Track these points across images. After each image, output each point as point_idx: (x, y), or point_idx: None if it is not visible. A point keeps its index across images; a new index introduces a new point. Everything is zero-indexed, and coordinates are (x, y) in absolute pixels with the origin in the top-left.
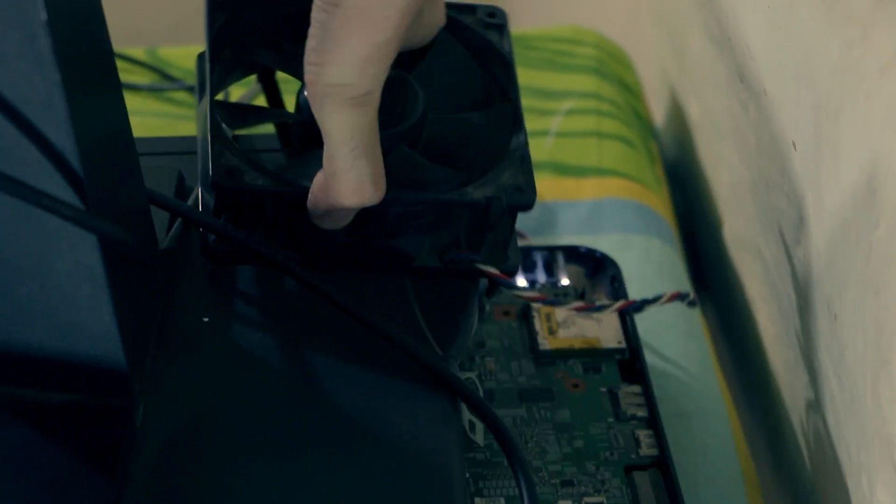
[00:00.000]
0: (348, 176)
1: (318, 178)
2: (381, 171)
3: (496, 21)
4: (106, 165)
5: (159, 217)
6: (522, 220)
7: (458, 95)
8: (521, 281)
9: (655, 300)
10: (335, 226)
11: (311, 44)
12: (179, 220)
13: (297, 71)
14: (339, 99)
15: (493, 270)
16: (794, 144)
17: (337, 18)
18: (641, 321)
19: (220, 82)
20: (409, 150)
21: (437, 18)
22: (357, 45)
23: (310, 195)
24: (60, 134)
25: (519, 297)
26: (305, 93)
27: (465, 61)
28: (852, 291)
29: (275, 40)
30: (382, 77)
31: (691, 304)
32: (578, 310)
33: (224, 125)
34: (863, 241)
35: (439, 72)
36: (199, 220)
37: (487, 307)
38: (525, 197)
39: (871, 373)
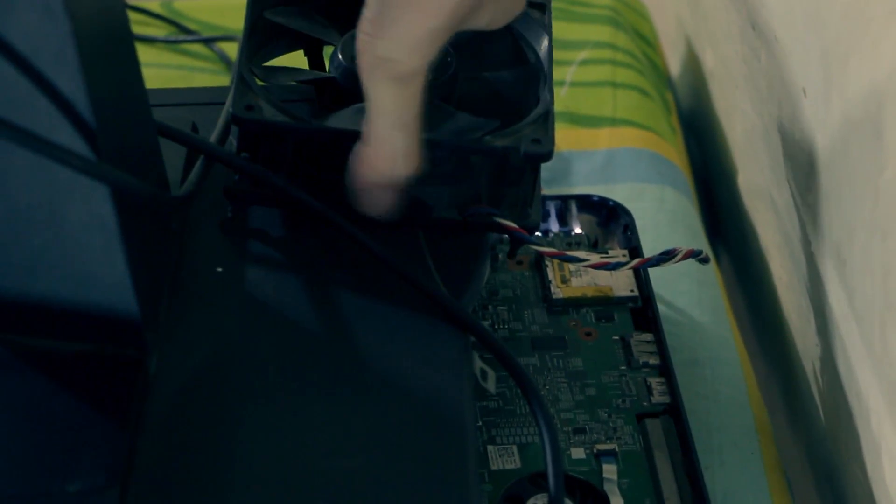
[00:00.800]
0: (384, 146)
1: (357, 148)
2: (417, 148)
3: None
4: (118, 116)
5: (172, 168)
6: None
7: (488, 56)
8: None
9: (670, 258)
10: (373, 210)
11: (367, 13)
12: (193, 168)
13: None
14: (386, 72)
15: (512, 226)
16: (804, 91)
17: None
18: (654, 269)
19: (258, 45)
20: (439, 102)
21: (515, 5)
22: (411, 26)
23: (349, 166)
24: (72, 85)
25: (539, 252)
26: (340, 56)
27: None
28: (860, 236)
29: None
30: (432, 58)
31: (703, 261)
32: (595, 267)
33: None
34: (870, 185)
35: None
36: (221, 155)
37: (500, 256)
38: (542, 147)
39: (879, 317)
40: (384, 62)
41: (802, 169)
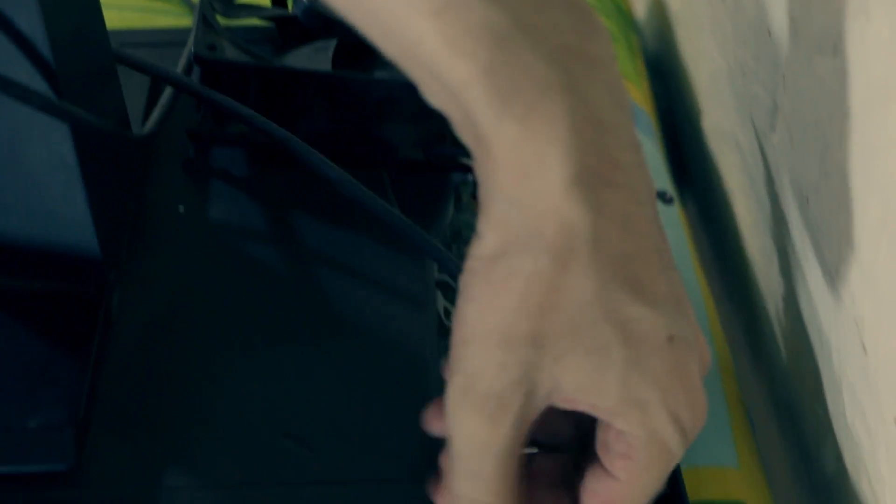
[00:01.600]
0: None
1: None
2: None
3: None
4: (78, 55)
5: (134, 109)
6: None
7: None
8: None
9: None
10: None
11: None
12: (155, 109)
13: None
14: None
15: None
16: (769, 31)
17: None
18: None
19: None
20: None
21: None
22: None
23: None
24: (30, 23)
25: None
26: None
27: None
28: (823, 174)
29: None
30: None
31: (668, 201)
32: None
33: (217, 16)
34: (835, 125)
35: None
36: (187, 85)
37: (464, 197)
38: None
39: (841, 253)
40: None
41: (766, 108)
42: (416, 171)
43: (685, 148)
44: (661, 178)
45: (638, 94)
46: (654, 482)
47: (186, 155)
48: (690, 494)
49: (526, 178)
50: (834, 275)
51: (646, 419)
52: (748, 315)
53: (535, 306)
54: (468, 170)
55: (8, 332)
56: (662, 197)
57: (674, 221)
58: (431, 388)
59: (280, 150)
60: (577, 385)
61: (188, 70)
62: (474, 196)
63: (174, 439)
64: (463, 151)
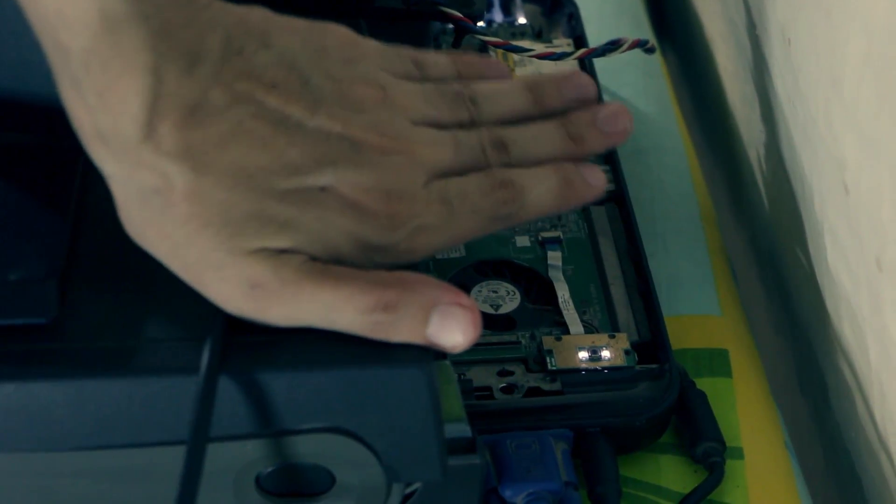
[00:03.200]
0: None
1: None
2: None
3: None
4: None
5: None
6: None
7: None
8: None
9: (616, 48)
10: None
11: None
12: None
13: None
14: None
15: (456, 14)
16: None
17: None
18: (600, 60)
19: None
20: None
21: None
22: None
23: None
24: None
25: (482, 41)
26: None
27: None
28: (805, 14)
29: None
30: None
31: (649, 50)
32: (540, 57)
33: None
34: None
35: None
36: None
37: (444, 46)
38: None
39: (824, 93)
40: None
41: None
42: (394, 19)
43: None
44: (642, 25)
45: None
46: None
47: None
48: (673, 343)
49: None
50: (816, 116)
51: None
52: (730, 163)
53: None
54: (448, 19)
55: None
56: (643, 46)
57: (655, 71)
58: None
59: None
60: None
61: None
62: (454, 45)
63: (154, 292)
64: (441, 0)
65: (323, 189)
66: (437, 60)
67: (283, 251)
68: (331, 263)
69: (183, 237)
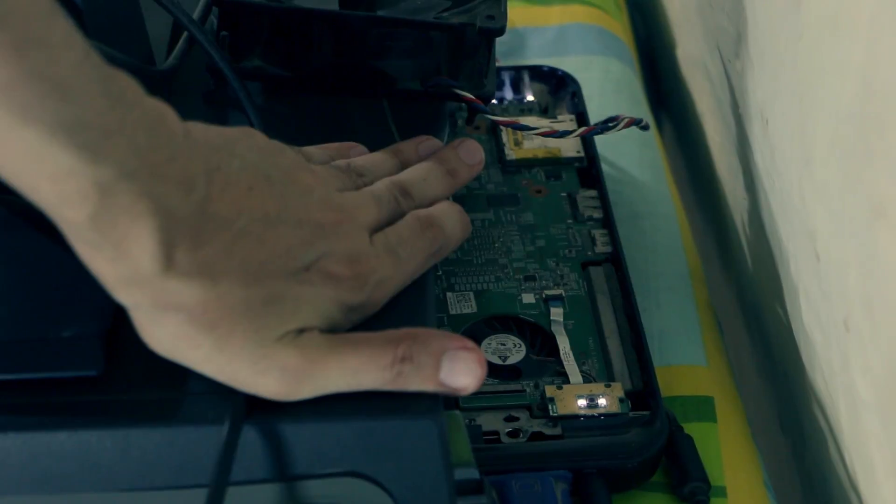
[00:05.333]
0: None
1: None
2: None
3: None
4: None
5: (157, 44)
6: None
7: None
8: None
9: (614, 126)
10: None
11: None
12: (177, 44)
13: None
14: None
15: (469, 96)
16: None
17: None
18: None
19: None
20: None
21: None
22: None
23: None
24: None
25: (493, 121)
26: None
27: None
28: (781, 97)
29: None
30: None
31: (644, 128)
32: (544, 135)
33: None
34: (789, 51)
35: None
36: (196, 34)
37: (459, 122)
38: (496, 23)
39: (797, 170)
40: None
41: (731, 38)
42: (414, 100)
43: (661, 75)
44: (639, 102)
45: (618, 27)
46: None
47: (207, 87)
48: (664, 391)
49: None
50: (790, 190)
51: None
52: (717, 227)
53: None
54: (461, 100)
55: (41, 250)
56: (638, 124)
57: (650, 144)
58: (428, 295)
59: (291, 82)
60: None
61: (207, 9)
62: (468, 122)
63: None
64: (457, 83)
65: (308, 268)
66: (317, 151)
67: (301, 331)
68: (330, 333)
69: (213, 343)
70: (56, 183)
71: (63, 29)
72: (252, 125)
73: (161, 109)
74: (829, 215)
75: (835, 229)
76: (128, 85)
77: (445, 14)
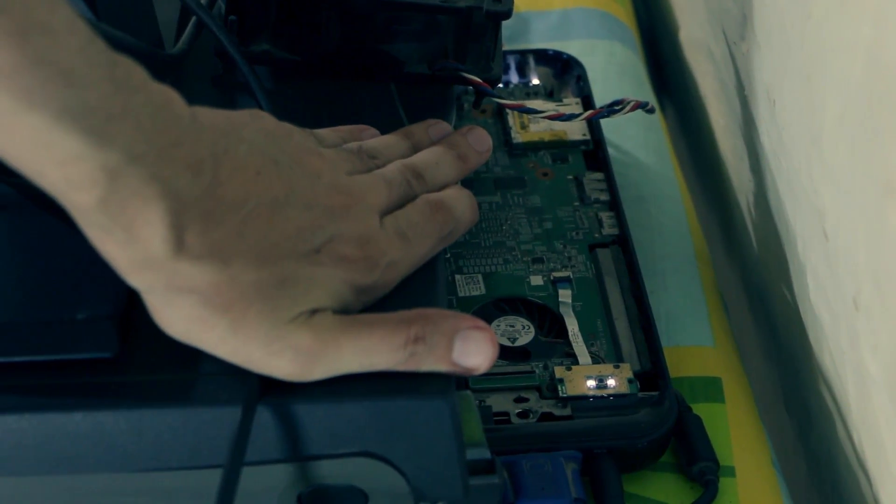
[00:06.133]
0: None
1: None
2: None
3: None
4: None
5: (166, 28)
6: None
7: None
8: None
9: (620, 109)
10: None
11: None
12: (186, 29)
13: None
14: None
15: (476, 79)
16: None
17: None
18: None
19: None
20: None
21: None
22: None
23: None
24: None
25: (500, 104)
26: None
27: None
28: (788, 78)
29: None
30: None
31: (649, 111)
32: (551, 118)
33: None
34: (796, 30)
35: None
36: (205, 19)
37: (465, 106)
38: (503, 6)
39: (805, 150)
40: None
41: (737, 20)
42: (421, 83)
43: (664, 58)
44: (643, 85)
45: (621, 11)
46: None
47: (215, 72)
48: (671, 371)
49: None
50: (798, 169)
51: None
52: (722, 209)
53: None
54: (469, 83)
55: (56, 235)
56: (644, 107)
57: (655, 127)
58: (438, 278)
59: (299, 67)
60: None
61: None
62: (475, 105)
63: None
64: (464, 67)
65: (318, 250)
66: (329, 133)
67: (313, 312)
68: (343, 314)
69: (226, 325)
70: (64, 167)
71: (65, 14)
72: (262, 108)
73: (167, 94)
74: (839, 194)
75: (844, 208)
76: (133, 69)
77: None
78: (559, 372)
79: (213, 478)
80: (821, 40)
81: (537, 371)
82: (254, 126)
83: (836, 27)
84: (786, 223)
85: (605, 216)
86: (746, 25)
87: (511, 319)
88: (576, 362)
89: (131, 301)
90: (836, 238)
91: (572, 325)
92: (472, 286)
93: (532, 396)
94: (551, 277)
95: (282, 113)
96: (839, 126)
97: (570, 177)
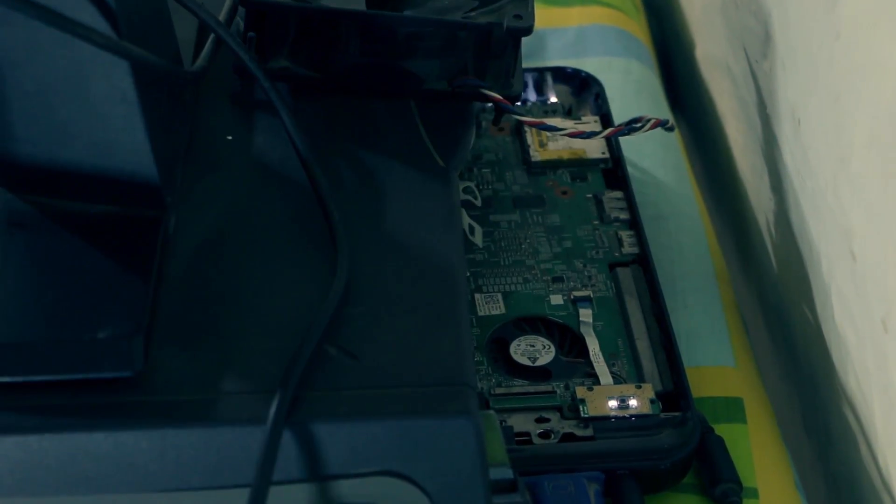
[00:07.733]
0: None
1: None
2: None
3: None
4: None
5: (185, 45)
6: None
7: None
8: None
9: (640, 127)
10: None
11: None
12: (205, 46)
13: None
14: None
15: (496, 96)
16: None
17: None
18: None
19: None
20: None
21: None
22: None
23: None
24: None
25: (521, 121)
26: None
27: None
28: (815, 98)
29: None
30: None
31: (669, 129)
32: (571, 135)
33: None
34: (825, 50)
35: None
36: (221, 33)
37: (483, 123)
38: (524, 22)
39: (832, 169)
40: None
41: (759, 38)
42: (440, 100)
43: (679, 76)
44: (660, 103)
45: (637, 28)
46: None
47: (233, 89)
48: (693, 392)
49: None
50: (824, 189)
51: None
52: (741, 228)
53: None
54: (488, 100)
55: (77, 253)
56: (664, 125)
57: (672, 145)
58: (460, 297)
59: (318, 84)
60: None
61: (233, 10)
62: (494, 122)
63: (229, 348)
64: (484, 83)
65: None
66: None
67: None
68: None
69: None
70: None
71: None
72: (284, 124)
73: None
74: (867, 214)
75: (873, 228)
76: None
77: (472, 14)
78: (581, 392)
79: (236, 498)
80: (851, 60)
81: (558, 391)
82: None
83: (866, 47)
84: (809, 242)
85: (625, 235)
86: (769, 44)
87: (531, 339)
88: (597, 382)
89: (154, 320)
90: (864, 259)
91: (593, 345)
92: (491, 305)
93: (553, 417)
94: (571, 297)
95: (301, 129)
96: (869, 146)
97: (590, 195)
